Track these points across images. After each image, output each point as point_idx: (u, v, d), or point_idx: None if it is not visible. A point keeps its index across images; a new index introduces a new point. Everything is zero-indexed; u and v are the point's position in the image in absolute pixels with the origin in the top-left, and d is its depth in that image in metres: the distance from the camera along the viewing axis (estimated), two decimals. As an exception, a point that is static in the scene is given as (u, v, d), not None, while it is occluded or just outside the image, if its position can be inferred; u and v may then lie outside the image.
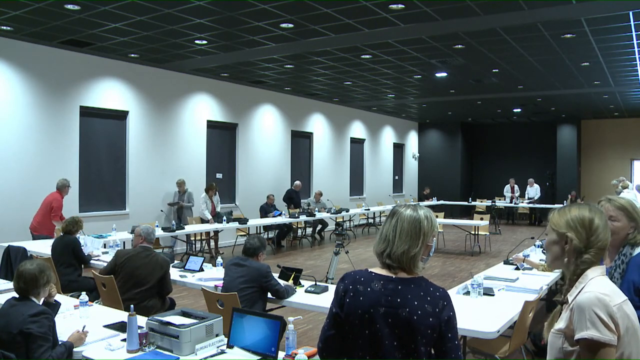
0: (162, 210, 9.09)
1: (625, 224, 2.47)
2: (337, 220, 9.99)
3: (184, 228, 8.87)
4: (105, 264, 5.16)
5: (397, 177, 19.12)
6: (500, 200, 16.74)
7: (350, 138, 16.36)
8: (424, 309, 1.81)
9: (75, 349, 2.87)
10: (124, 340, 2.92)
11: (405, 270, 1.89)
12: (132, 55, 9.06)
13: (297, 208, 12.31)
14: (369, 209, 14.20)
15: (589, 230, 1.73)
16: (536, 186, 16.69)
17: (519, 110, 16.24)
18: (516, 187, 17.03)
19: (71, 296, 4.45)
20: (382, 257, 1.92)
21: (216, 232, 10.16)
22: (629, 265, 2.45)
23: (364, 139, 17.12)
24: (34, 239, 7.29)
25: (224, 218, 9.72)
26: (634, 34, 7.41)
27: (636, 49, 8.35)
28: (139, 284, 4.32)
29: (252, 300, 4.00)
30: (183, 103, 10.74)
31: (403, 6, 6.31)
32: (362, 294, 1.87)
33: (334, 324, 1.94)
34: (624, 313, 1.66)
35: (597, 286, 1.69)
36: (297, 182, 12.83)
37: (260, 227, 10.89)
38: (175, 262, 5.74)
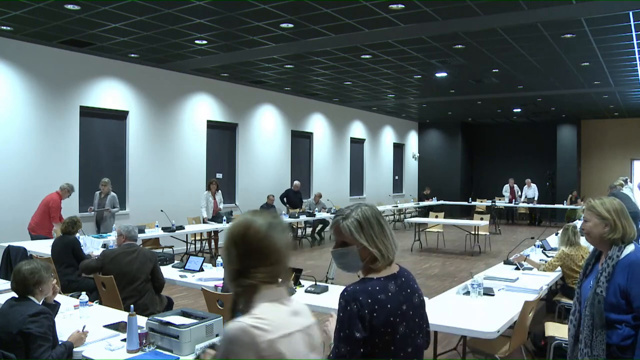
0: (161, 210, 9.08)
1: (595, 223, 2.47)
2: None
3: (183, 228, 8.88)
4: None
5: (397, 177, 19.12)
6: (500, 200, 16.74)
7: (350, 138, 16.36)
8: (419, 287, 1.96)
9: (75, 349, 2.87)
10: (124, 340, 2.92)
11: (392, 262, 1.92)
12: (132, 55, 9.06)
13: (297, 208, 12.30)
14: (369, 209, 14.17)
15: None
16: (534, 186, 16.67)
17: (519, 110, 16.24)
18: (516, 187, 17.03)
19: (71, 296, 4.45)
20: (390, 256, 1.89)
21: (216, 232, 10.16)
22: (616, 267, 2.42)
23: (364, 139, 17.12)
24: (32, 239, 7.29)
25: (224, 218, 9.72)
26: (634, 34, 7.41)
27: (636, 49, 8.35)
28: (132, 280, 4.34)
29: (252, 300, 3.99)
30: (183, 103, 10.73)
31: (403, 6, 6.31)
32: (387, 302, 1.80)
33: (359, 348, 1.76)
34: (276, 351, 1.38)
35: (260, 312, 1.41)
36: (296, 182, 12.82)
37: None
38: (175, 262, 5.74)
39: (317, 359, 1.53)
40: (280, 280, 1.51)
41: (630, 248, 2.44)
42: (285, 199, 12.47)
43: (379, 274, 1.86)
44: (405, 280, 1.90)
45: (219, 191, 10.37)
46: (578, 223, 8.01)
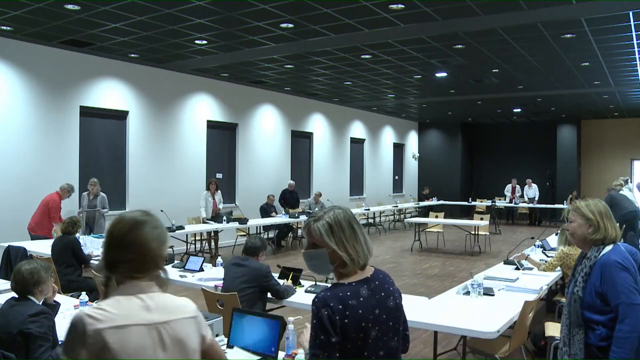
0: (162, 210, 9.06)
1: (580, 224, 2.53)
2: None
3: (183, 228, 8.88)
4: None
5: (397, 177, 19.12)
6: (500, 200, 16.74)
7: (350, 138, 16.36)
8: (397, 290, 1.95)
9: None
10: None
11: (367, 266, 1.91)
12: (132, 55, 9.06)
13: (294, 208, 12.30)
14: (369, 209, 14.20)
15: None
16: (534, 186, 16.69)
17: (519, 110, 16.24)
18: (517, 187, 17.03)
19: (71, 296, 4.45)
20: (360, 261, 1.87)
21: (216, 232, 10.15)
22: (593, 268, 2.45)
23: (364, 139, 17.11)
24: (32, 239, 7.29)
25: (224, 218, 9.72)
26: (634, 34, 7.41)
27: (636, 49, 8.35)
28: None
29: (252, 300, 4.00)
30: (183, 103, 10.74)
31: (403, 6, 6.31)
32: (358, 307, 1.79)
33: (334, 352, 1.77)
34: (101, 341, 1.41)
35: (106, 303, 1.48)
36: (291, 182, 12.76)
37: (260, 227, 10.89)
38: (176, 262, 5.74)
39: (164, 359, 1.49)
40: (146, 274, 1.54)
41: (607, 249, 2.47)
42: (282, 201, 12.48)
43: (350, 278, 1.85)
44: (380, 283, 1.89)
45: (219, 191, 10.37)
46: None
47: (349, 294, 1.80)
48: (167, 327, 1.51)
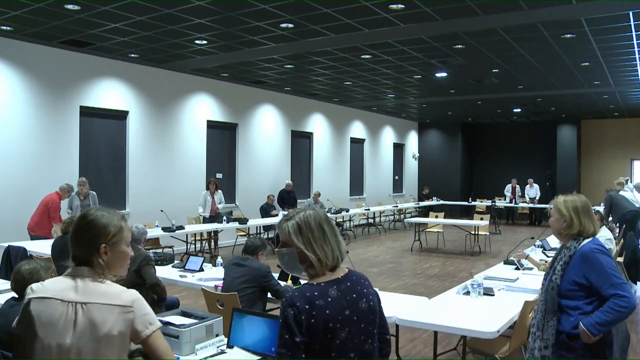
0: (161, 210, 9.08)
1: (556, 218, 2.71)
2: (337, 220, 10.00)
3: (183, 228, 8.88)
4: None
5: (397, 177, 19.12)
6: (500, 200, 16.74)
7: (350, 138, 16.36)
8: (373, 293, 1.95)
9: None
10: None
11: (338, 267, 1.93)
12: (132, 55, 9.06)
13: (292, 207, 12.28)
14: (369, 209, 14.20)
15: None
16: (536, 186, 16.69)
17: (519, 110, 16.24)
18: (517, 187, 17.03)
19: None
20: (328, 262, 1.89)
21: (216, 232, 10.15)
22: (572, 257, 2.59)
23: (364, 139, 17.11)
24: (31, 239, 7.29)
25: (224, 218, 9.71)
26: (634, 34, 7.41)
27: (636, 49, 8.35)
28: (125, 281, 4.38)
29: (252, 300, 4.00)
30: (183, 103, 10.74)
31: (403, 6, 6.31)
32: (325, 307, 1.80)
33: (299, 352, 1.79)
34: (29, 307, 1.75)
35: (51, 280, 1.84)
36: (288, 182, 12.75)
37: (260, 227, 10.89)
38: (176, 262, 5.74)
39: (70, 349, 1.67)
40: (90, 265, 1.78)
41: (587, 240, 2.62)
42: (280, 201, 12.47)
43: (320, 279, 1.87)
44: (352, 284, 1.90)
45: (219, 191, 10.36)
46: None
47: (316, 294, 1.82)
48: (84, 307, 1.69)
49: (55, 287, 1.75)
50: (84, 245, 1.79)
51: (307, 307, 1.78)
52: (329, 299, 1.82)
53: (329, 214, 10.86)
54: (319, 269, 1.87)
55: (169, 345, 1.81)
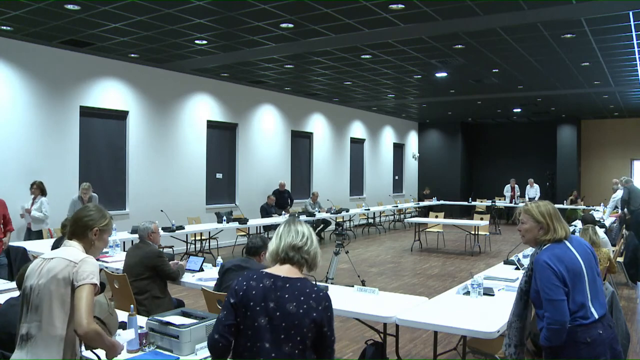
0: (161, 210, 9.08)
1: (532, 226, 2.67)
2: (337, 220, 10.00)
3: (183, 227, 8.87)
4: (104, 264, 5.33)
5: (397, 177, 19.13)
6: (500, 200, 16.73)
7: (350, 138, 16.36)
8: (309, 304, 2.08)
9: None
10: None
11: (294, 268, 2.18)
12: (132, 55, 9.06)
13: (283, 208, 12.20)
14: (369, 209, 14.20)
15: None
16: (536, 186, 16.66)
17: (519, 110, 16.25)
18: (517, 187, 17.02)
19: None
20: (278, 256, 2.23)
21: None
22: (533, 265, 2.61)
23: (364, 139, 17.12)
24: (30, 237, 7.27)
25: (224, 218, 9.71)
26: (634, 34, 7.41)
27: (636, 49, 8.35)
28: (131, 274, 4.45)
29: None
30: (183, 103, 10.74)
31: (403, 6, 6.31)
32: (254, 289, 2.10)
33: (231, 314, 2.11)
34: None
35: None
36: (281, 182, 12.67)
37: (260, 227, 10.89)
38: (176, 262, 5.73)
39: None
40: (77, 238, 2.37)
41: (543, 249, 2.62)
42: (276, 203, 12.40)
43: (269, 269, 2.19)
44: (290, 287, 2.11)
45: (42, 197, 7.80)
46: (579, 223, 8.02)
47: (255, 276, 2.15)
48: (49, 261, 2.27)
49: (49, 251, 2.43)
50: (83, 224, 2.37)
51: (244, 283, 2.14)
52: (260, 285, 2.11)
53: (328, 214, 10.76)
54: (270, 259, 2.24)
55: (92, 304, 2.16)
